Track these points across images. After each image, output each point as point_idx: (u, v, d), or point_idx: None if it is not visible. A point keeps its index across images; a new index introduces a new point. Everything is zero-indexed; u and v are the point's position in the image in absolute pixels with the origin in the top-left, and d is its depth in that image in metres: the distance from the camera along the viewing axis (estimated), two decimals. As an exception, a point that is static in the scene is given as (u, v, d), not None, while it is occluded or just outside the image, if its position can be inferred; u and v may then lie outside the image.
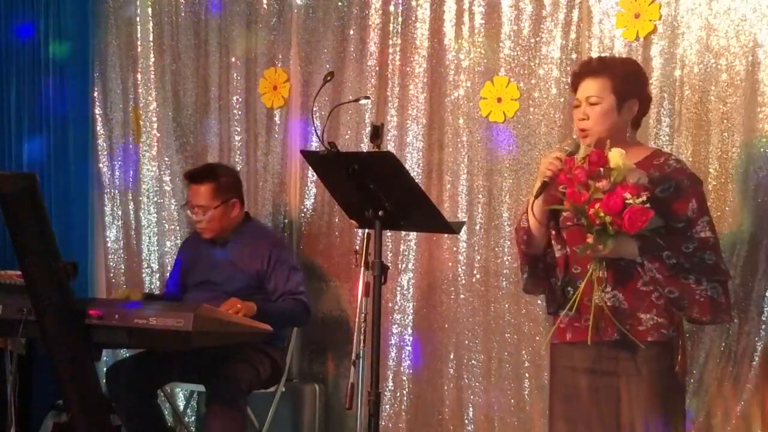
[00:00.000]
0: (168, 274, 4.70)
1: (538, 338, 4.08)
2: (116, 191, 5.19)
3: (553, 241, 3.10)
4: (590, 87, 3.01)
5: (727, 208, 3.71)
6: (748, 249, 3.65)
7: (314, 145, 4.60)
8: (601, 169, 2.79)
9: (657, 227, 2.81)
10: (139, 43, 5.08)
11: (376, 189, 3.06)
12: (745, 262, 3.65)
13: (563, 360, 3.09)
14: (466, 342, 4.28)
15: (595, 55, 3.89)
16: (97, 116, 5.19)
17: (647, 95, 3.14)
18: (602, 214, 2.75)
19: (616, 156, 2.80)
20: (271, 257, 4.22)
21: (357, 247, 3.33)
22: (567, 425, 3.07)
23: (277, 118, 4.78)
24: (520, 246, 3.14)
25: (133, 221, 5.14)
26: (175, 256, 4.71)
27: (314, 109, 4.51)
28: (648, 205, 2.74)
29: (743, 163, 3.70)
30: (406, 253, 4.42)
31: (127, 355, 4.37)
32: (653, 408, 2.91)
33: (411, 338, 4.41)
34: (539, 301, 3.84)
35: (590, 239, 2.83)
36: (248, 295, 4.15)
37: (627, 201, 2.73)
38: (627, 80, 3.03)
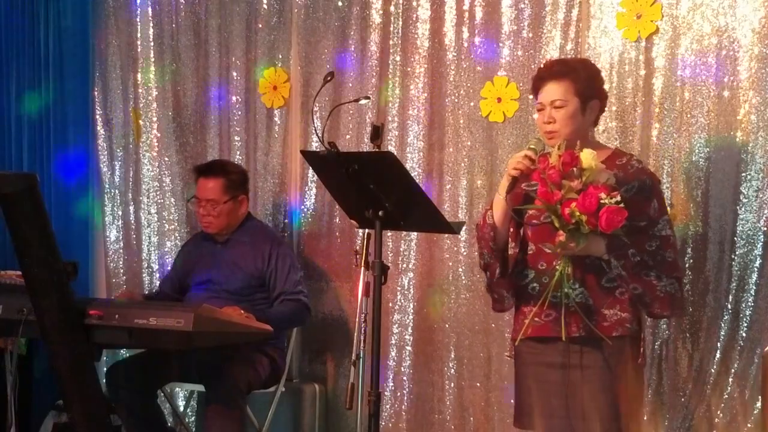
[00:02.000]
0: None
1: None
2: (116, 191, 5.18)
3: (510, 239, 3.14)
4: (554, 91, 3.06)
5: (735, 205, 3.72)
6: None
7: (314, 145, 4.60)
8: (574, 169, 2.85)
9: (623, 226, 2.87)
10: (139, 43, 5.07)
11: (376, 189, 3.06)
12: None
13: (532, 356, 3.12)
14: (466, 342, 4.29)
15: (591, 54, 3.89)
16: (97, 116, 5.18)
17: (605, 95, 3.22)
18: (578, 213, 2.81)
19: (588, 157, 2.87)
20: (272, 256, 4.23)
21: (357, 247, 3.33)
22: (541, 420, 3.09)
23: (277, 118, 4.78)
24: (488, 243, 3.14)
25: (133, 221, 5.14)
26: (174, 257, 4.71)
27: (314, 109, 4.51)
28: (622, 204, 2.80)
29: (745, 162, 3.70)
30: (407, 253, 4.42)
31: (127, 355, 4.38)
32: (615, 399, 2.98)
33: (411, 338, 4.42)
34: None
35: (562, 237, 2.88)
36: (249, 294, 4.16)
37: (602, 201, 2.80)
38: (589, 82, 3.10)
